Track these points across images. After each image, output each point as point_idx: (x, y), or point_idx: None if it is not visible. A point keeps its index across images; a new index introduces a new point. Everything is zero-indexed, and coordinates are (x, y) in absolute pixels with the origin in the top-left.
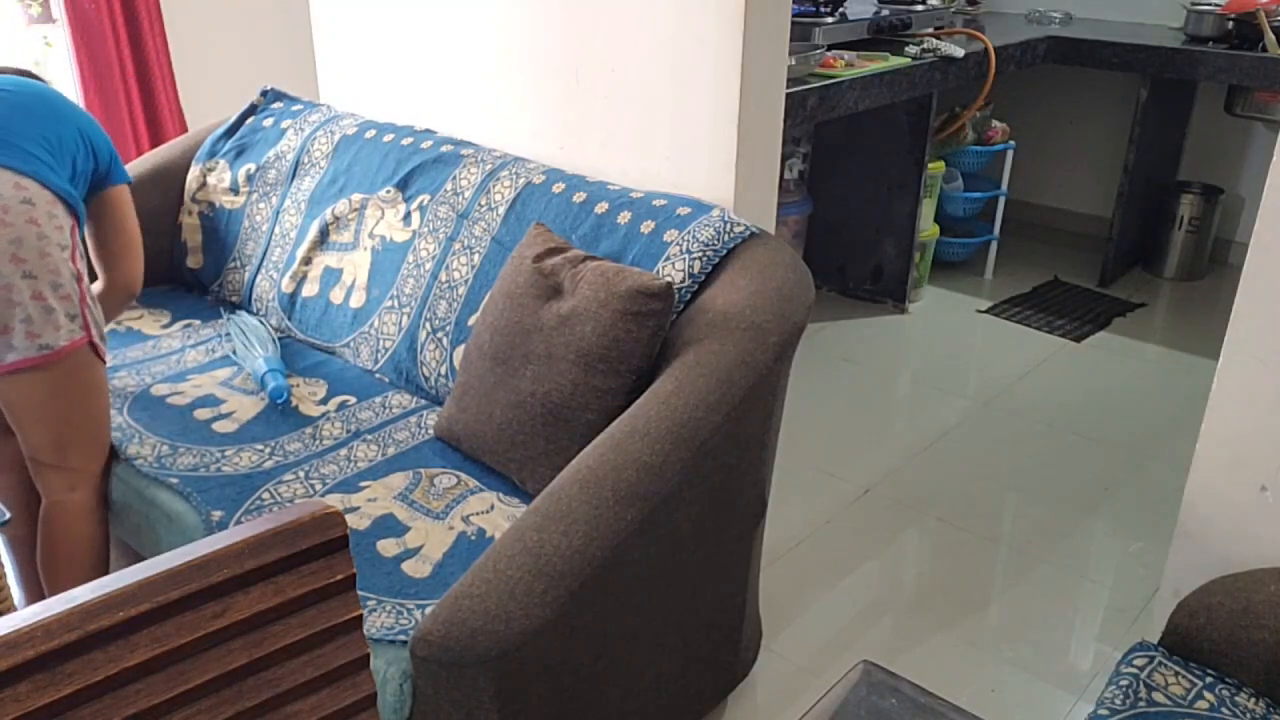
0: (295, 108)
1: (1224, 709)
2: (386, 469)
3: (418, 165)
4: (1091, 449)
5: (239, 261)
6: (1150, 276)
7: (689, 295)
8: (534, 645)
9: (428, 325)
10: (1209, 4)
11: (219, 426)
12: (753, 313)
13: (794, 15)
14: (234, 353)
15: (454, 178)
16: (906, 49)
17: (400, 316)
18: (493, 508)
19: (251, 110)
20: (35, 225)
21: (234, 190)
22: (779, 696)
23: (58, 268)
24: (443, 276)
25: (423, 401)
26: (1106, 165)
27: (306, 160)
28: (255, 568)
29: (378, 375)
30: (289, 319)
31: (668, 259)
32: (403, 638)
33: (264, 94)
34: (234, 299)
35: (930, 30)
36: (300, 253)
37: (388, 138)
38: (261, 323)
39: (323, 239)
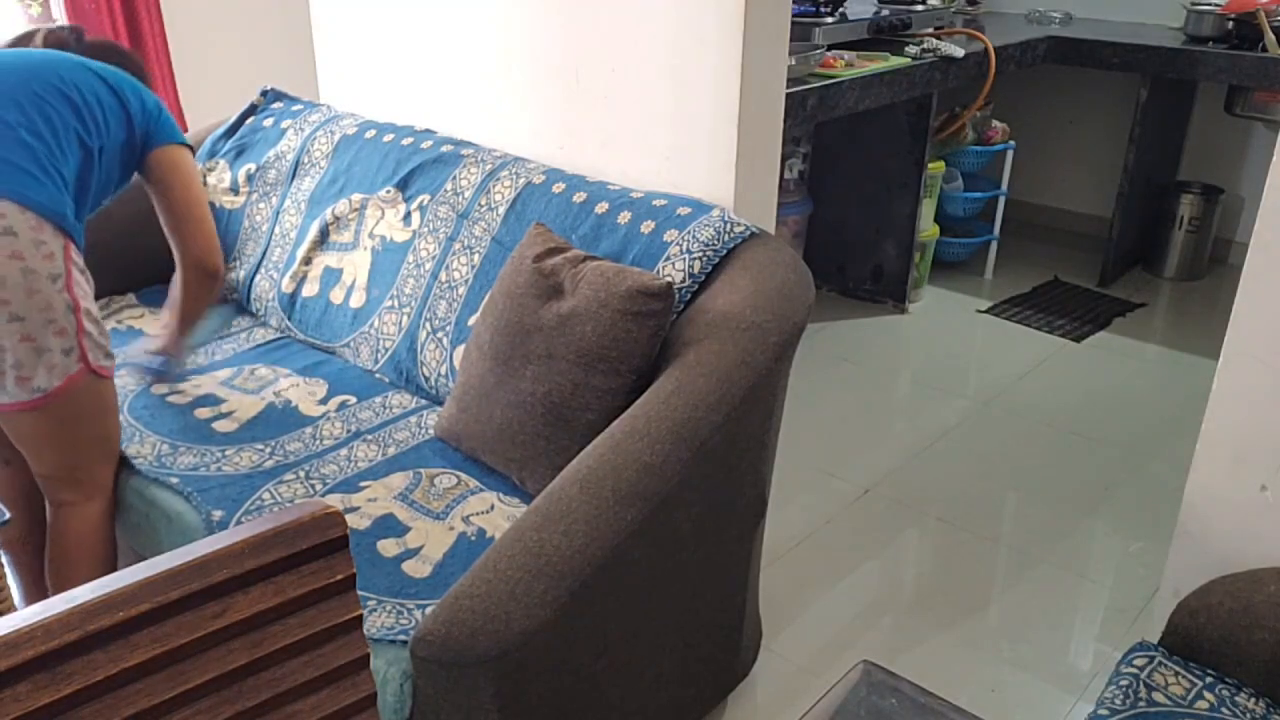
0: (295, 108)
1: (1224, 709)
2: (387, 469)
3: (418, 165)
4: (1091, 449)
5: (239, 261)
6: (1150, 276)
7: (689, 295)
8: (534, 645)
9: (428, 325)
10: (1209, 4)
11: (219, 426)
12: (753, 313)
13: (794, 15)
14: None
15: (454, 178)
16: (906, 49)
17: (400, 316)
18: (493, 508)
19: (251, 110)
20: (19, 260)
21: (234, 190)
22: (779, 696)
23: (49, 302)
24: (443, 276)
25: (423, 401)
26: (1106, 165)
27: (306, 160)
28: (255, 568)
29: (378, 375)
30: (289, 319)
31: (668, 259)
32: (403, 638)
33: (264, 94)
34: (234, 299)
35: (930, 30)
36: (300, 253)
37: (388, 138)
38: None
39: (323, 239)
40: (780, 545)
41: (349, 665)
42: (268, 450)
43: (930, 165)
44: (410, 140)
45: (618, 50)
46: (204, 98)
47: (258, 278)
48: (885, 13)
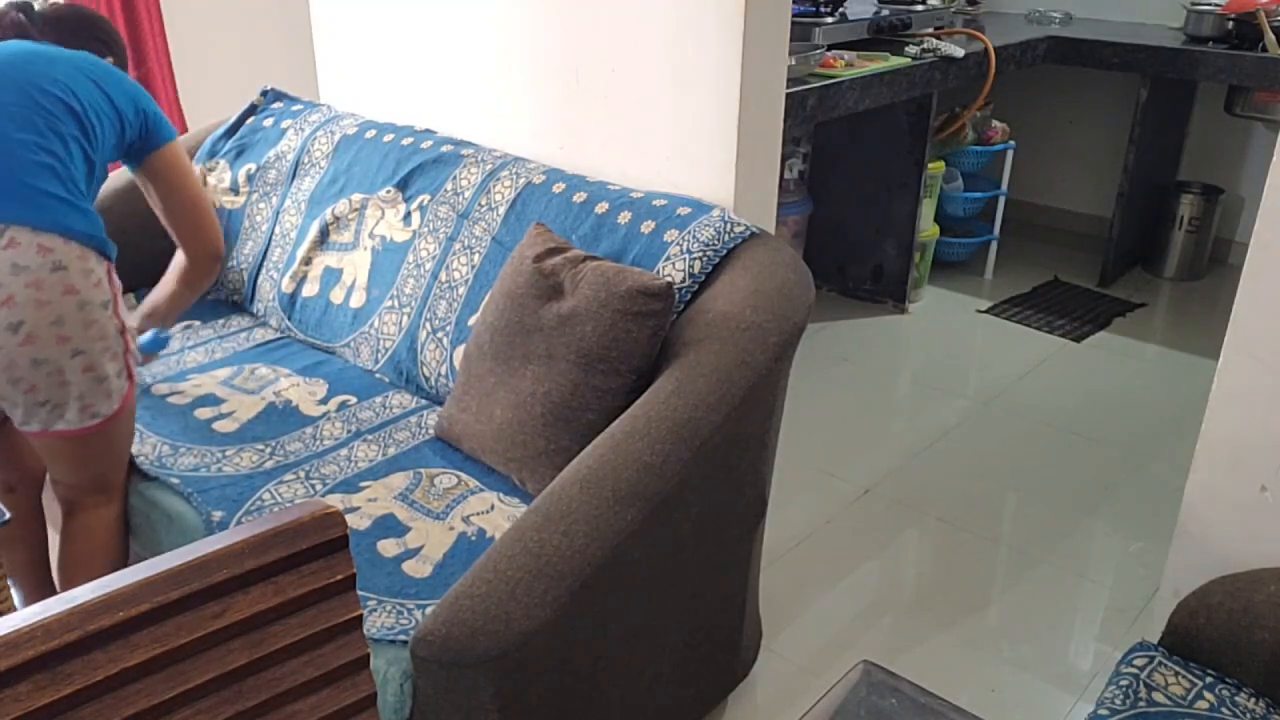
0: (295, 108)
1: (1224, 709)
2: (387, 469)
3: (418, 165)
4: (1091, 449)
5: (239, 262)
6: (1150, 276)
7: (689, 295)
8: (534, 645)
9: (428, 325)
10: (1209, 4)
11: (219, 426)
12: (753, 313)
13: (794, 15)
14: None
15: (454, 178)
16: (906, 49)
17: (400, 316)
18: (493, 508)
19: (251, 110)
20: (74, 294)
21: (234, 190)
22: (779, 696)
23: (105, 331)
24: (443, 276)
25: (423, 401)
26: (1106, 165)
27: (306, 160)
28: (255, 568)
29: (378, 375)
30: (289, 319)
31: (668, 259)
32: (403, 638)
33: (264, 94)
34: (235, 299)
35: (930, 30)
36: (300, 253)
37: (388, 138)
38: None
39: (323, 239)
40: (780, 545)
41: (349, 665)
42: (268, 450)
43: (930, 165)
44: (410, 140)
45: (618, 50)
46: (204, 98)
47: (258, 278)
48: (885, 13)
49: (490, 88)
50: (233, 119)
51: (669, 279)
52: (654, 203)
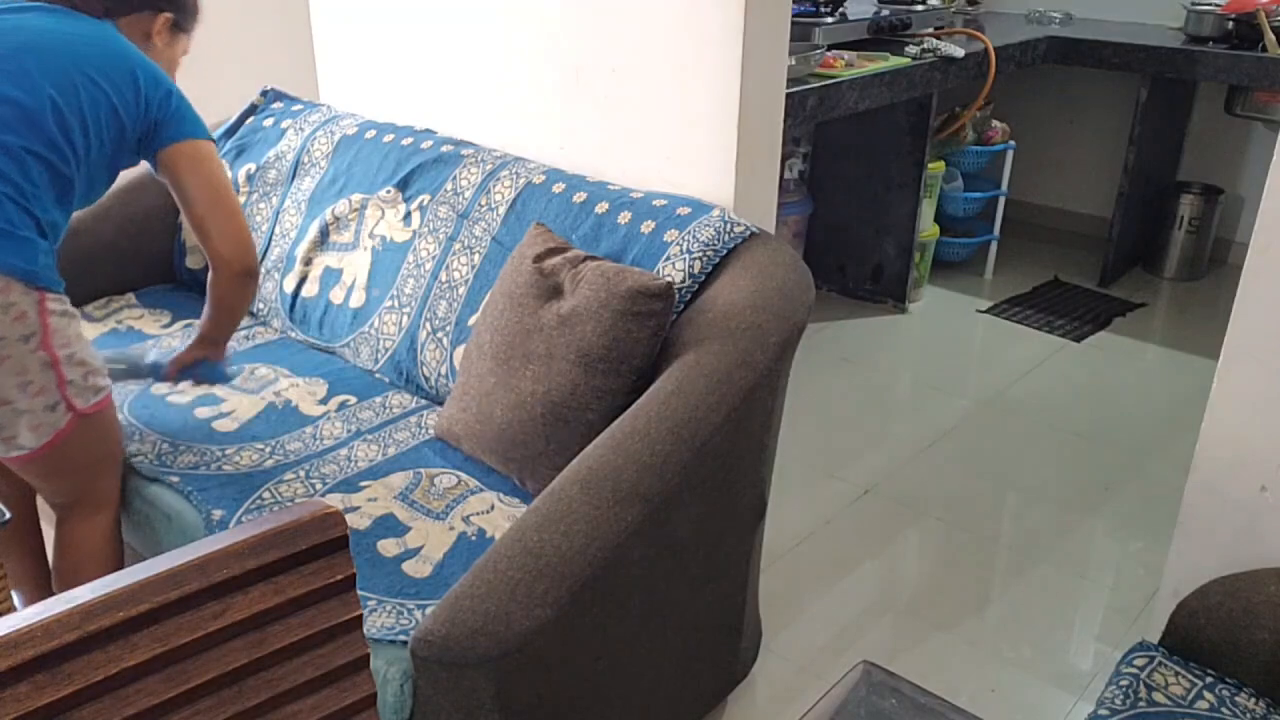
0: (295, 108)
1: (1224, 709)
2: (387, 469)
3: (418, 165)
4: (1091, 449)
5: None
6: (1150, 276)
7: (689, 295)
8: (534, 645)
9: (428, 325)
10: (1209, 4)
11: (219, 425)
12: (753, 313)
13: (794, 15)
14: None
15: (454, 178)
16: (906, 49)
17: (400, 316)
18: (493, 508)
19: (251, 110)
20: None
21: (234, 190)
22: (779, 696)
23: (22, 366)
24: (443, 276)
25: (423, 401)
26: (1106, 165)
27: (306, 160)
28: (255, 568)
29: (378, 375)
30: (289, 319)
31: (668, 259)
32: (403, 638)
33: (264, 94)
34: None
35: (930, 30)
36: (300, 253)
37: (388, 138)
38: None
39: (323, 239)
40: (780, 545)
41: (349, 665)
42: (268, 450)
43: (930, 165)
44: (410, 140)
45: (618, 50)
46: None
47: (261, 278)
48: (885, 13)
49: (490, 88)
50: (232, 119)
51: (669, 279)
52: (654, 202)
